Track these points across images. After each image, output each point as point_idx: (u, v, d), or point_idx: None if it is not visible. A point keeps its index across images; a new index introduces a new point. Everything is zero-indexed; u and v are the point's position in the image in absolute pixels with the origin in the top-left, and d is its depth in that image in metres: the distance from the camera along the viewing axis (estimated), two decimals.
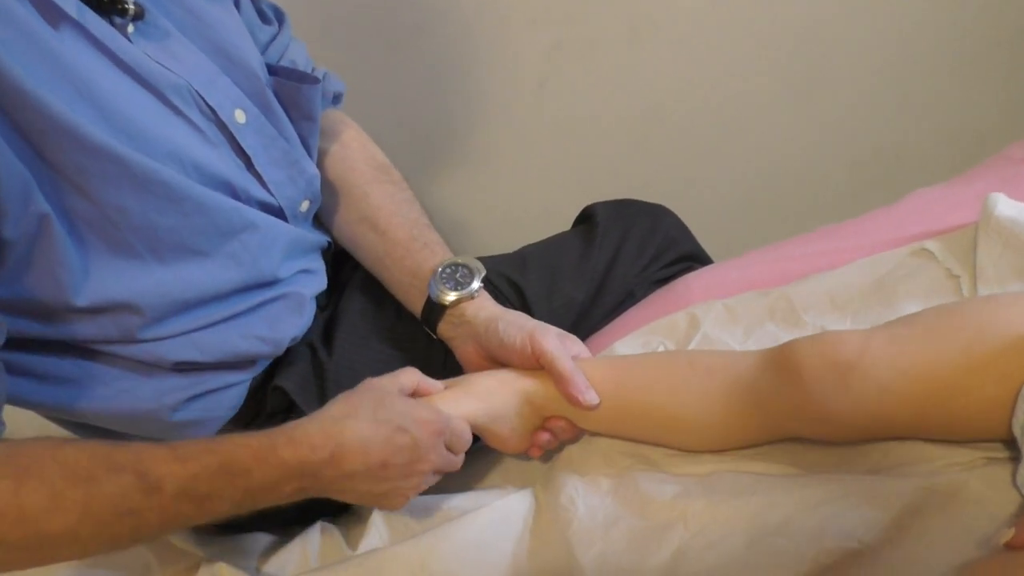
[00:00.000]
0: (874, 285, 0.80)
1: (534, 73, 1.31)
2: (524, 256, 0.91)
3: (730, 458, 0.70)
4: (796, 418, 0.66)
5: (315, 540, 0.76)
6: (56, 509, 0.51)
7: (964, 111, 1.38)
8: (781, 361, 0.66)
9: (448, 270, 0.80)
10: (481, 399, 0.72)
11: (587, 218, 0.96)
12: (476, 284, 0.79)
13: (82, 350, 0.68)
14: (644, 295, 0.91)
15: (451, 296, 0.78)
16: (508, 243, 1.23)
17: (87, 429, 0.75)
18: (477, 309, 0.78)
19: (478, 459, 0.81)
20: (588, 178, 1.40)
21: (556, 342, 0.72)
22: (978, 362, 0.61)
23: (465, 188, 1.40)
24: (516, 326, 0.74)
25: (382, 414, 0.64)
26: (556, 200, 1.42)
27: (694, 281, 0.89)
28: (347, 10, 1.22)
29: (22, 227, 0.59)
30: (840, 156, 1.40)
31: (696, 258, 0.96)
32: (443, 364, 0.83)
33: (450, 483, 0.78)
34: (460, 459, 0.71)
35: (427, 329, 0.82)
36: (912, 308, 0.75)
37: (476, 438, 0.73)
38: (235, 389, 0.76)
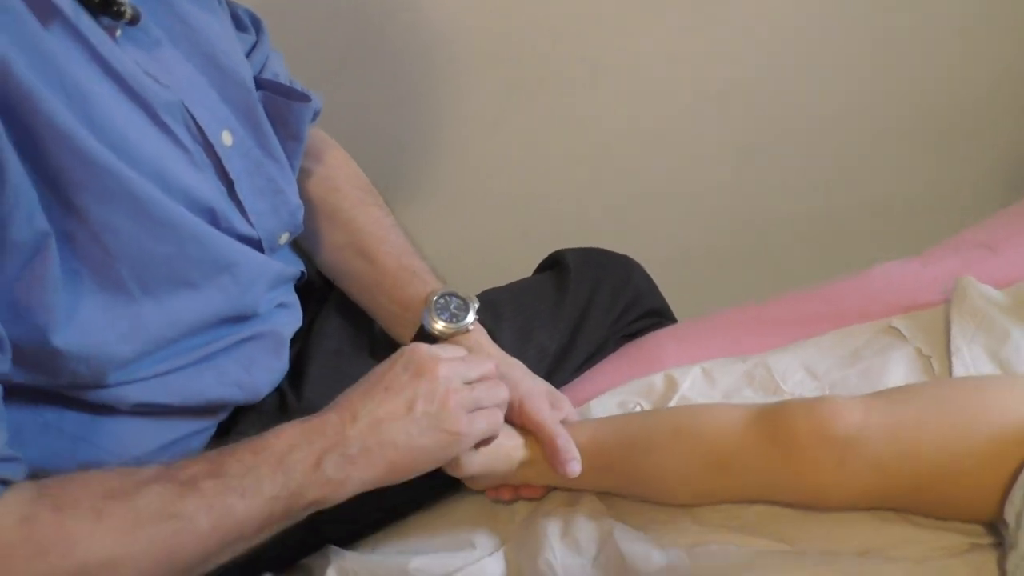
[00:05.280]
0: (849, 358, 0.80)
1: (490, 111, 1.28)
2: (494, 302, 0.87)
3: (714, 529, 0.69)
4: (785, 488, 0.66)
5: None
6: (102, 529, 0.51)
7: (918, 178, 1.43)
8: (774, 431, 0.66)
9: (442, 300, 0.76)
10: (497, 455, 0.70)
11: (555, 264, 0.93)
12: (471, 317, 0.75)
13: (31, 393, 0.59)
14: (614, 348, 0.89)
15: (446, 328, 0.74)
16: (455, 282, 1.18)
17: None
18: (475, 347, 0.74)
19: (446, 511, 0.77)
20: (538, 219, 1.38)
21: (546, 409, 0.71)
22: (974, 446, 0.61)
23: (414, 225, 1.34)
24: (509, 384, 0.71)
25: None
26: (506, 240, 1.40)
27: (667, 340, 0.88)
28: (293, 40, 1.15)
29: (25, 234, 0.52)
30: (799, 212, 1.42)
31: (662, 314, 0.95)
32: None
33: (413, 533, 0.74)
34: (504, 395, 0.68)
35: None
36: (890, 384, 0.76)
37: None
38: (199, 438, 0.69)
